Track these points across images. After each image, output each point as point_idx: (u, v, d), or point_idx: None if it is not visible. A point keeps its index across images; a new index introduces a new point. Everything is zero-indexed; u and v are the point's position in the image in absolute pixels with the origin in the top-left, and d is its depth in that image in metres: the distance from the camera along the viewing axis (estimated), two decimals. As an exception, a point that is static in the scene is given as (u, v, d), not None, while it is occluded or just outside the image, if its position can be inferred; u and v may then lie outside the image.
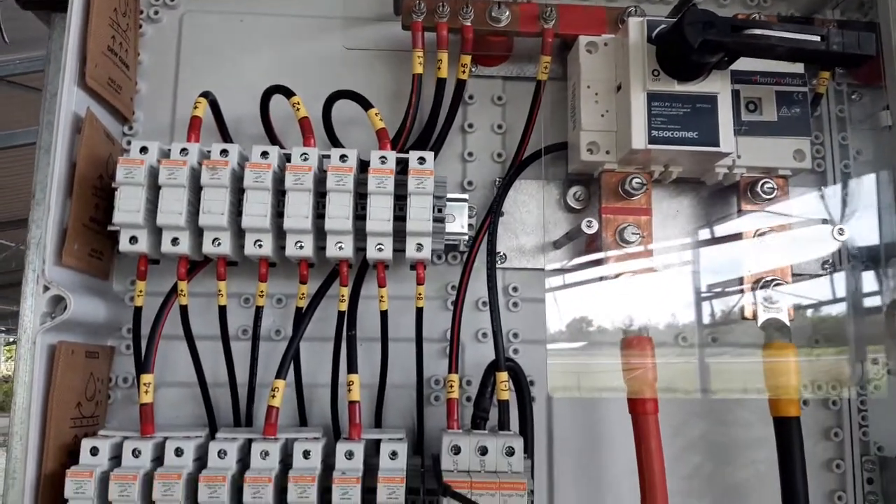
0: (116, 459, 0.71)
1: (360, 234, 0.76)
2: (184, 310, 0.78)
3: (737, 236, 0.84)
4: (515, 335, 0.88)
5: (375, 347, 0.83)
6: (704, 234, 0.90)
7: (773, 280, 0.80)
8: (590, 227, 0.77)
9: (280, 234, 0.76)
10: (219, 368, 0.84)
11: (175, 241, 0.74)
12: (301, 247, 0.75)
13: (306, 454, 0.72)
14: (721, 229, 0.89)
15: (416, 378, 0.83)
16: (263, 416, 0.76)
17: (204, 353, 0.81)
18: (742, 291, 0.82)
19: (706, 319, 0.86)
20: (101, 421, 0.81)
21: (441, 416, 0.85)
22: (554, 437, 0.86)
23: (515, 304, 0.88)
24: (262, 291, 0.79)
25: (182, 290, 0.77)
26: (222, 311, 0.80)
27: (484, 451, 0.71)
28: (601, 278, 0.80)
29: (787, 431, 0.76)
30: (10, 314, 10.47)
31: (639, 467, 0.76)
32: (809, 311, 0.88)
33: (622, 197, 0.81)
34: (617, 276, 0.80)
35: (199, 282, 0.83)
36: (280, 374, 0.74)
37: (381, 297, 0.79)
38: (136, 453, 0.70)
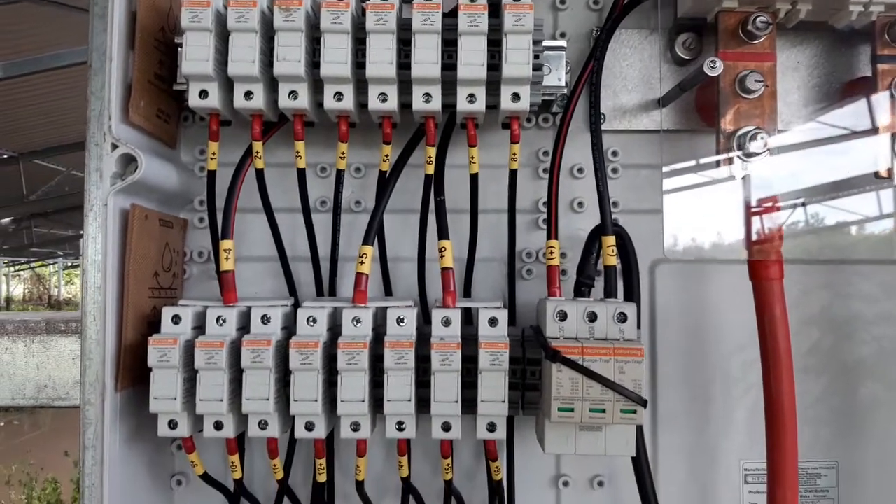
0: (199, 330, 0.67)
1: (445, 86, 0.68)
2: (260, 174, 0.72)
3: (868, 85, 0.74)
4: (615, 204, 0.80)
5: (460, 220, 0.76)
6: (831, 86, 0.79)
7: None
8: (713, 67, 0.67)
9: (361, 86, 0.68)
10: (297, 242, 0.79)
11: (248, 94, 0.67)
12: (384, 99, 0.68)
13: (400, 321, 0.66)
14: (849, 80, 0.78)
15: (508, 248, 0.76)
16: (347, 289, 0.70)
17: (280, 228, 0.76)
18: (876, 148, 0.72)
19: (833, 178, 0.76)
20: (179, 295, 0.78)
21: (533, 291, 0.79)
22: (656, 309, 0.80)
23: (615, 171, 0.80)
24: (342, 153, 0.72)
25: (258, 152, 0.71)
26: (301, 175, 0.73)
27: (593, 317, 0.65)
28: (721, 135, 0.71)
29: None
30: (67, 239, 10.80)
31: (761, 339, 0.70)
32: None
33: (743, 40, 0.71)
34: (735, 131, 0.71)
35: (271, 151, 0.77)
36: (367, 240, 0.68)
37: (472, 157, 0.72)
38: (220, 321, 0.66)
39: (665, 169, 0.77)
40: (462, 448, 0.79)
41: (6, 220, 8.90)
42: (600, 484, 0.78)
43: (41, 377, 0.95)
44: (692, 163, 0.76)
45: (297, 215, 0.77)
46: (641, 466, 0.71)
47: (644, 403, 0.62)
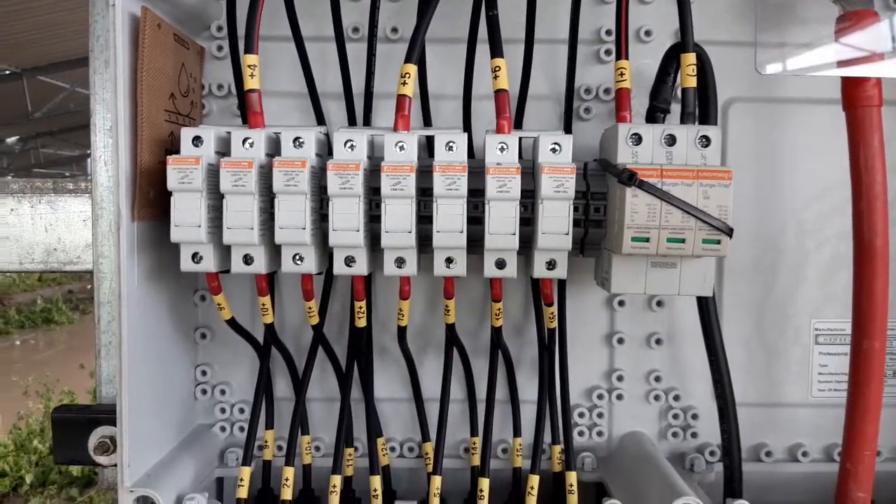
0: (223, 156, 0.60)
1: None
2: (287, -10, 0.63)
3: None
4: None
5: (513, 51, 0.67)
6: None
7: None
8: None
9: None
10: (326, 77, 0.70)
11: None
12: None
13: (450, 146, 0.58)
14: None
15: (567, 81, 0.68)
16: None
17: (309, 59, 0.68)
18: None
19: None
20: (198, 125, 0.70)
21: (591, 134, 0.71)
22: (727, 153, 0.72)
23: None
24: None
25: (284, -44, 0.62)
26: (334, -4, 0.64)
27: (671, 140, 0.57)
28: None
29: None
30: (73, 159, 10.69)
31: (853, 175, 0.62)
32: None
33: None
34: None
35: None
36: (410, 57, 0.59)
37: (529, -30, 0.63)
38: (247, 144, 0.59)
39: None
40: (508, 302, 0.72)
41: (12, 140, 8.80)
42: (658, 342, 0.72)
43: (50, 240, 0.89)
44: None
45: (326, 45, 0.69)
46: (711, 319, 0.64)
47: (730, 232, 0.54)
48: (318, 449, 0.73)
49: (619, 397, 0.73)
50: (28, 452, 3.27)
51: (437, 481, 0.64)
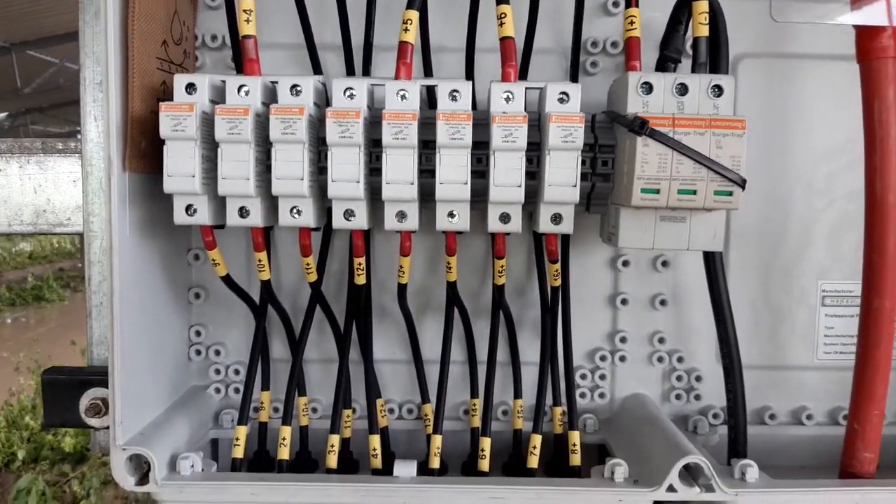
0: (218, 104, 0.57)
1: None
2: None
3: None
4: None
5: (518, 2, 0.65)
6: None
7: None
8: None
9: None
10: (324, 30, 0.68)
11: None
12: None
13: (454, 95, 0.56)
14: None
15: (573, 33, 0.66)
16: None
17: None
18: None
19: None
20: (191, 79, 0.68)
21: (596, 90, 0.69)
22: (736, 110, 0.69)
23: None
24: None
25: None
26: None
27: (683, 90, 0.55)
28: None
29: None
30: (63, 136, 10.56)
31: (866, 130, 0.60)
32: None
33: None
34: None
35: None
36: (412, 4, 0.57)
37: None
38: (243, 91, 0.56)
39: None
40: (510, 262, 0.71)
41: (1, 116, 8.68)
42: (662, 303, 0.71)
43: (39, 201, 0.87)
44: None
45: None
46: (718, 277, 0.63)
47: (743, 184, 0.53)
48: (315, 411, 0.72)
49: (622, 359, 0.72)
50: (19, 429, 3.26)
51: (437, 440, 0.63)
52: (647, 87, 0.55)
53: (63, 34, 6.03)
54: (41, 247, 7.93)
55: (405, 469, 0.60)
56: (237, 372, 0.72)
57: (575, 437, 0.64)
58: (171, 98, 0.57)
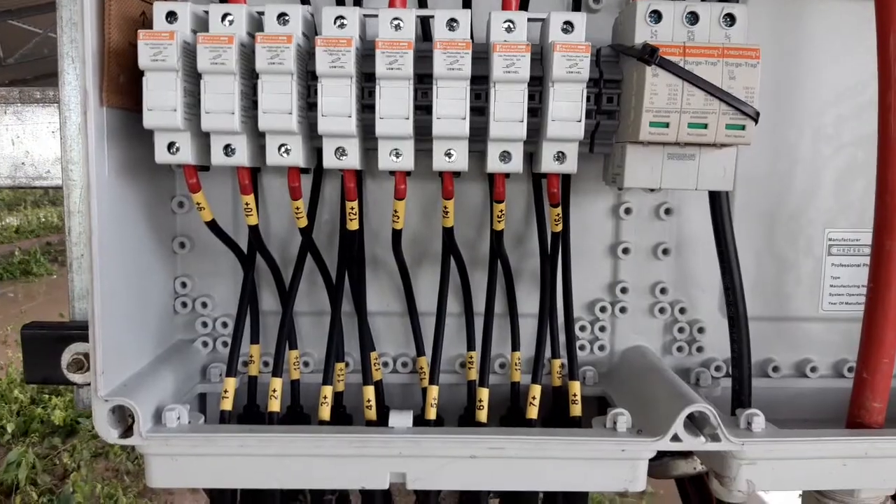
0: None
1: None
2: None
3: None
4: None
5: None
6: None
7: None
8: None
9: None
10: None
11: None
12: None
13: (452, 25, 0.53)
14: None
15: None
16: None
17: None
18: None
19: None
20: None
21: (601, 25, 0.65)
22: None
23: None
24: None
25: None
26: None
27: (693, 19, 0.52)
28: None
29: None
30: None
31: (881, 67, 0.57)
32: None
33: None
34: None
35: None
36: (406, -70, 0.54)
37: None
38: (227, 21, 0.53)
39: None
40: (508, 210, 0.68)
41: (-17, 88, 8.52)
42: (665, 252, 0.69)
43: (17, 153, 0.83)
44: None
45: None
46: (724, 222, 0.61)
47: (757, 116, 0.50)
48: (306, 364, 0.69)
49: (623, 310, 0.70)
50: (9, 402, 3.23)
51: (433, 391, 0.60)
52: (656, 16, 0.52)
53: (45, 2, 5.89)
54: (28, 221, 7.84)
55: (401, 420, 0.58)
56: (225, 325, 0.69)
57: (575, 387, 0.62)
58: (150, 28, 0.53)
